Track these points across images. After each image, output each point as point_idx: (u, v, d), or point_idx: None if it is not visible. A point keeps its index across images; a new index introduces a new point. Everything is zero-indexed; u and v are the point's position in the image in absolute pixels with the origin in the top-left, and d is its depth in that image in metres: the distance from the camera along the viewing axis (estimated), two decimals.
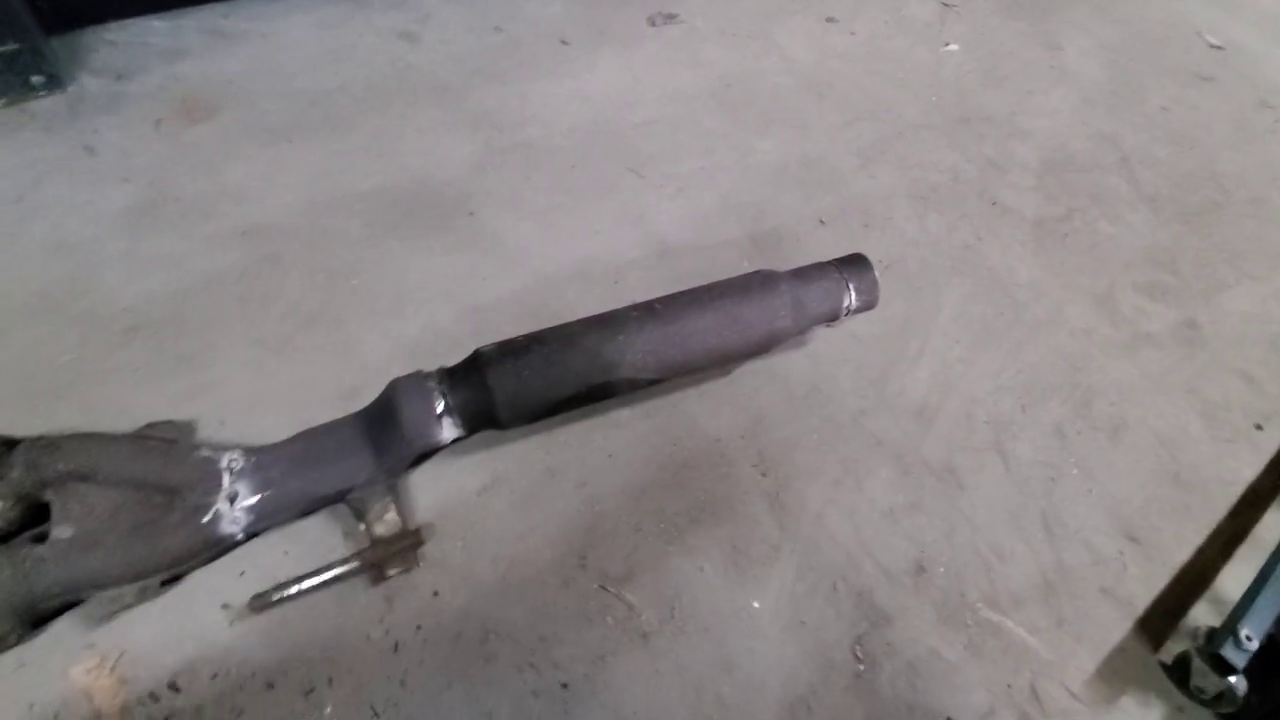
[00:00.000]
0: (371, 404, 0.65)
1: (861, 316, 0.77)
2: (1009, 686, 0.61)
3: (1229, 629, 0.61)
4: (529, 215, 0.87)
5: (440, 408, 0.62)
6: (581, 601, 0.61)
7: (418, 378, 0.64)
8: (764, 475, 0.70)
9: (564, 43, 1.07)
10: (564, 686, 0.57)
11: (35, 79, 0.87)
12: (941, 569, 0.66)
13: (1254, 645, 0.59)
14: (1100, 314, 0.89)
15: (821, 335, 0.81)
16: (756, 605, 0.62)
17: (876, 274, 0.73)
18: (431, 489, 0.65)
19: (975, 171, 1.02)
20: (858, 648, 0.61)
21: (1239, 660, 0.59)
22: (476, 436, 0.65)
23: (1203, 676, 0.60)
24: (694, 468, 0.70)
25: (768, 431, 0.73)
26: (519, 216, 0.86)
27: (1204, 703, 0.62)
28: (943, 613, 0.64)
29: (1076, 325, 0.87)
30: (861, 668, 0.60)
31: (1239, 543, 0.71)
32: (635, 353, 0.64)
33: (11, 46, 0.84)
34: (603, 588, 0.62)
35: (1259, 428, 0.81)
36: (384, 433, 0.63)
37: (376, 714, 0.54)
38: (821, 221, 0.93)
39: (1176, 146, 1.13)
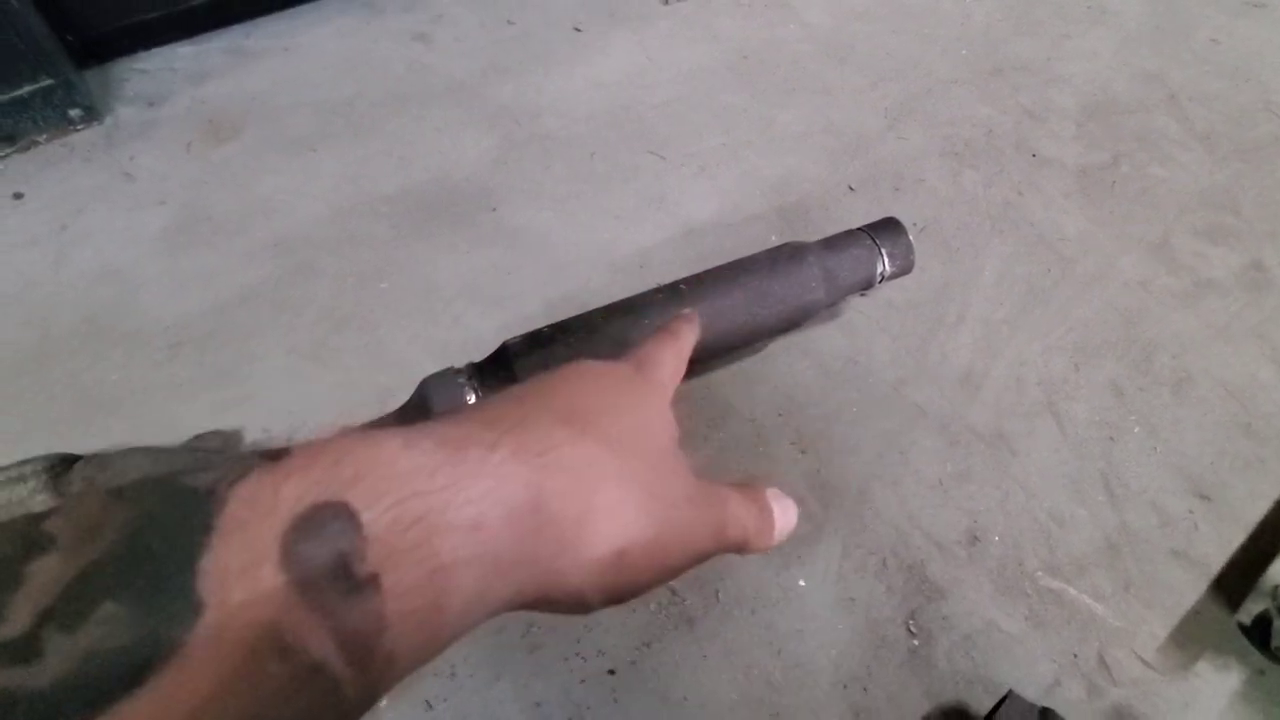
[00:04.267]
0: (406, 403, 0.65)
1: (897, 283, 0.75)
2: (1075, 656, 0.58)
3: None
4: (550, 205, 0.86)
5: (471, 401, 0.62)
6: None
7: (448, 374, 0.64)
8: (803, 453, 0.68)
9: (577, 30, 1.06)
10: (611, 673, 0.57)
11: (73, 112, 0.90)
12: (996, 538, 0.64)
13: None
14: (1156, 263, 0.84)
15: (855, 305, 0.78)
16: (803, 584, 0.61)
17: (911, 237, 0.70)
18: None
19: (1011, 123, 0.98)
20: (911, 623, 0.59)
21: None
22: None
23: None
24: (731, 450, 0.69)
25: (804, 408, 0.71)
26: (540, 208, 0.86)
27: None
28: (1000, 583, 0.61)
29: (1131, 277, 0.83)
30: (916, 643, 0.58)
31: None
32: None
33: (47, 82, 0.87)
34: None
35: None
36: None
37: (430, 707, 0.55)
38: (851, 188, 0.90)
39: (1229, 80, 1.06)
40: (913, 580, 0.61)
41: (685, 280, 0.66)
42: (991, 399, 0.72)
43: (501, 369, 0.63)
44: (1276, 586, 0.60)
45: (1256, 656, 0.59)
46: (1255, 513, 0.67)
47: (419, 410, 0.64)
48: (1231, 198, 0.91)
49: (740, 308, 0.65)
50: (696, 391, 0.72)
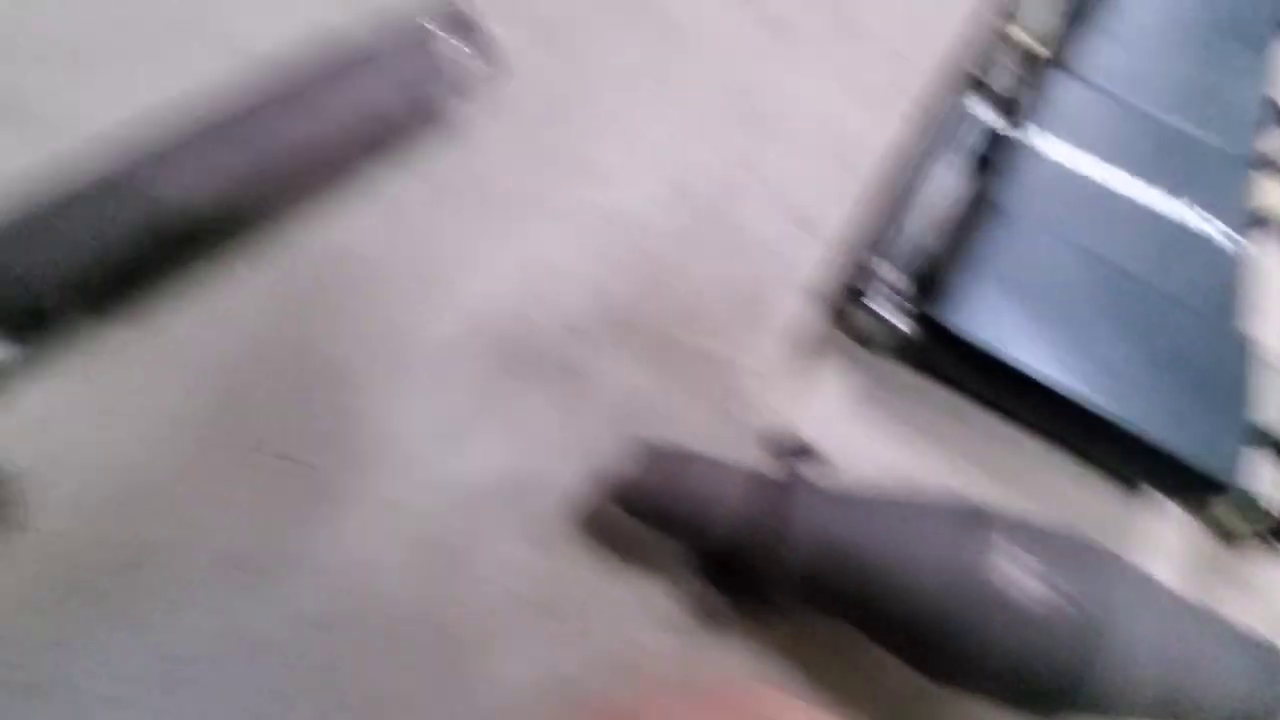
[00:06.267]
0: None
1: (520, 88, 0.69)
2: (714, 398, 0.62)
3: (873, 274, 0.65)
4: (67, 67, 0.66)
5: None
6: (252, 482, 0.53)
7: None
8: (428, 282, 0.63)
9: None
10: (258, 571, 0.51)
11: None
12: (631, 309, 0.65)
13: (900, 281, 0.64)
14: (761, 28, 0.86)
15: (473, 119, 0.71)
16: (457, 414, 0.58)
17: (481, 21, 0.63)
18: (23, 422, 0.52)
19: None
20: (565, 416, 0.59)
21: (889, 300, 0.64)
22: (36, 340, 0.52)
23: (866, 324, 0.64)
24: (350, 293, 0.61)
25: (422, 231, 0.65)
26: (54, 71, 0.65)
27: (881, 350, 0.67)
28: (639, 350, 0.63)
29: (741, 44, 0.84)
30: (574, 436, 0.58)
31: (901, 205, 0.75)
32: (196, 179, 0.52)
33: None
34: (275, 457, 0.54)
35: (907, 99, 0.84)
36: None
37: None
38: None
39: None
40: (558, 370, 0.61)
41: (210, 109, 0.54)
42: (626, 183, 0.71)
43: None
44: (856, 288, 0.67)
45: (860, 352, 0.67)
46: (850, 232, 0.74)
47: None
48: None
49: (290, 129, 0.55)
50: (294, 245, 0.61)
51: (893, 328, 0.64)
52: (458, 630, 0.51)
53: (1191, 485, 0.63)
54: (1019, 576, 0.44)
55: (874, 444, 0.64)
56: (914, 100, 0.84)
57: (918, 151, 0.78)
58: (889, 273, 0.65)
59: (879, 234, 0.71)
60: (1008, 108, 0.80)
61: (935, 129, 0.79)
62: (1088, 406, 0.61)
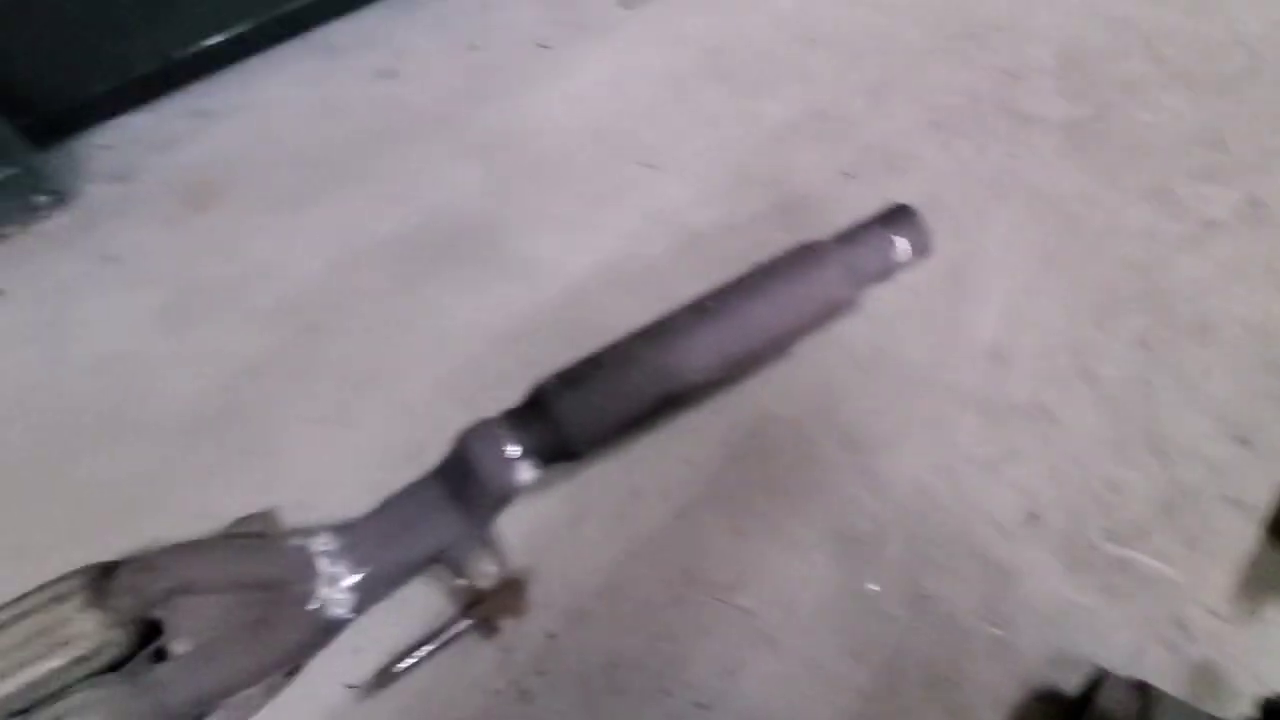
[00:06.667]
0: (445, 459, 0.64)
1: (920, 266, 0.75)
2: (1151, 620, 0.59)
3: None
4: (552, 231, 0.85)
5: (513, 451, 0.61)
6: (697, 616, 0.60)
7: (485, 425, 0.62)
8: (850, 450, 0.68)
9: (543, 46, 1.04)
10: (701, 706, 0.56)
11: (39, 199, 0.86)
12: (1055, 512, 0.64)
13: None
14: (1159, 210, 0.84)
15: (875, 293, 0.78)
16: (875, 587, 0.61)
17: (924, 220, 0.69)
18: (523, 531, 0.64)
19: (992, 86, 0.97)
20: (989, 611, 0.59)
21: None
22: (554, 469, 0.64)
23: None
24: (778, 457, 0.68)
25: (843, 404, 0.71)
26: (541, 234, 0.84)
27: None
28: (1067, 558, 0.62)
29: (1136, 227, 0.83)
30: (999, 631, 0.58)
31: None
32: (698, 357, 0.62)
33: (9, 171, 0.83)
34: (716, 599, 0.61)
35: None
36: (463, 486, 0.62)
37: None
38: (845, 174, 0.89)
39: (1197, 16, 1.06)
40: (983, 567, 0.61)
41: (710, 297, 0.65)
42: (1024, 370, 0.73)
43: (539, 413, 0.62)
44: None
45: None
46: None
47: (460, 466, 0.63)
48: (1218, 135, 0.92)
49: (769, 316, 0.64)
50: (731, 404, 0.71)
51: None
52: None
53: None
54: None
55: None
56: None
57: None
58: None
59: None
60: None
61: None
62: None
